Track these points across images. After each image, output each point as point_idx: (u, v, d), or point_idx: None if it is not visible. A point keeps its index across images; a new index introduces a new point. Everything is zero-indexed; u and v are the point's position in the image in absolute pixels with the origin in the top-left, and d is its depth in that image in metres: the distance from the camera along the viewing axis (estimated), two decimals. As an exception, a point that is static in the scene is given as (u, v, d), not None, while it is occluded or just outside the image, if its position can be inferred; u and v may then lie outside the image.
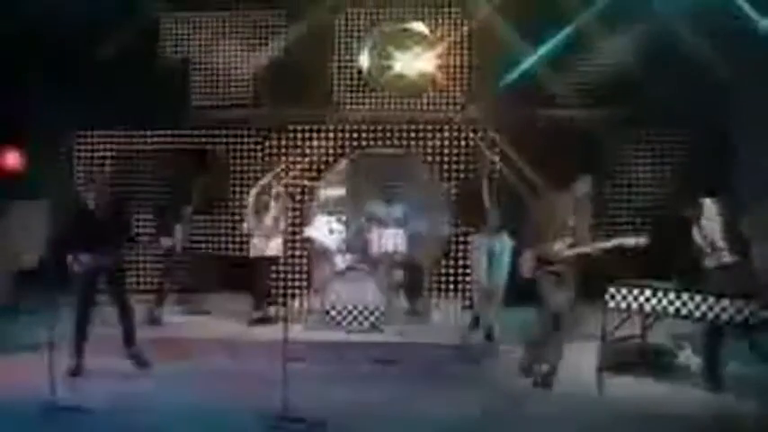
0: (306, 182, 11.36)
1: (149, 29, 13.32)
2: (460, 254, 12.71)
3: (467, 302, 12.21)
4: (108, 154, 13.36)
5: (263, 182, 11.64)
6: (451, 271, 12.80)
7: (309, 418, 7.93)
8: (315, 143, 12.99)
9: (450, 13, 13.16)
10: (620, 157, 12.86)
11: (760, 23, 11.72)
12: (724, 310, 8.58)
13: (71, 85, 12.61)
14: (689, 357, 9.89)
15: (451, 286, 12.79)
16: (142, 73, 12.72)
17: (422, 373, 9.69)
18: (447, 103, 13.09)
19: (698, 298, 8.71)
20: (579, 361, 9.64)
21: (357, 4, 13.21)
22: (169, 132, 13.40)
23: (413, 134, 13.02)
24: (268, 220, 11.44)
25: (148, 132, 13.41)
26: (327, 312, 11.02)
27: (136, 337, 9.77)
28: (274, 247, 11.58)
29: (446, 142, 12.93)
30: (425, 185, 12.79)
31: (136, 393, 8.92)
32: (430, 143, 12.93)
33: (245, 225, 11.61)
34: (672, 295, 8.87)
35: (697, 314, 8.74)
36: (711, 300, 8.63)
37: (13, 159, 12.97)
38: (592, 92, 12.80)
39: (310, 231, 11.95)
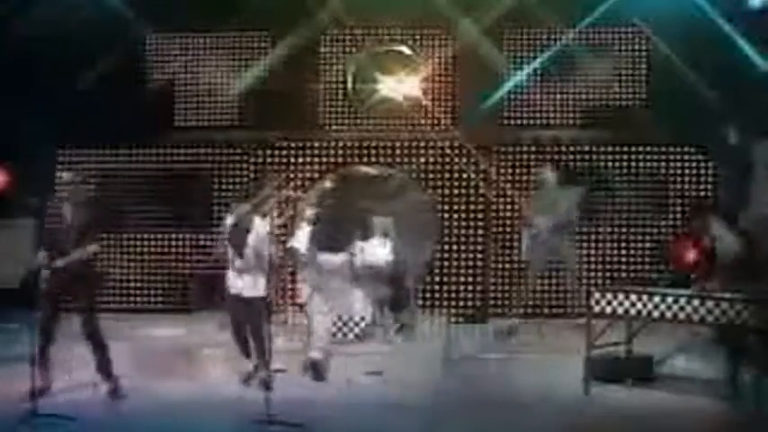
0: (291, 192, 11.26)
1: (135, 48, 13.32)
2: (446, 268, 12.71)
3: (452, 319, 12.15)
4: (91, 173, 13.25)
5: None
6: (437, 287, 12.75)
7: (291, 424, 7.91)
8: (300, 160, 13.01)
9: (435, 35, 13.19)
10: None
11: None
12: (709, 312, 8.58)
13: (55, 104, 12.59)
14: (688, 365, 9.81)
15: (437, 300, 12.72)
16: (128, 92, 12.71)
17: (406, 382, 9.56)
18: (432, 124, 13.08)
19: (683, 300, 8.71)
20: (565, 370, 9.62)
21: (342, 25, 13.25)
22: (153, 151, 13.39)
23: (398, 152, 13.01)
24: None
25: (133, 151, 13.40)
26: (311, 323, 10.89)
27: (112, 369, 9.14)
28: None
29: (431, 159, 12.94)
30: (411, 200, 12.76)
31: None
32: (415, 161, 12.93)
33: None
34: (657, 299, 8.86)
35: (681, 317, 8.74)
36: (696, 302, 8.63)
37: (-4, 177, 12.88)
38: (577, 112, 12.96)
39: (294, 242, 11.87)
